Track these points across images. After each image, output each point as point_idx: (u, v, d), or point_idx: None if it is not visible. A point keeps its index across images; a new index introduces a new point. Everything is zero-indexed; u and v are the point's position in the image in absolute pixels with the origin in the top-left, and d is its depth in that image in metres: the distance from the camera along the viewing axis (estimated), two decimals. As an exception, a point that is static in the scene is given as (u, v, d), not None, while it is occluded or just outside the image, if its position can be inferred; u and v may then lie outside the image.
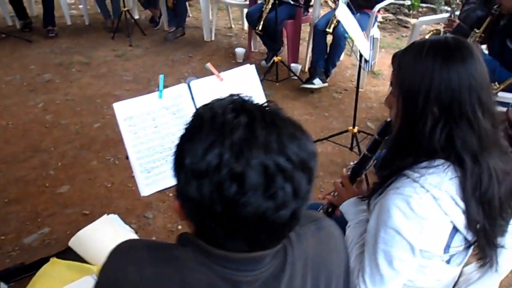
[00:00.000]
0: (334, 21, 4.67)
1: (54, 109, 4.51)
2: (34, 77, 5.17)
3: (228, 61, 5.55)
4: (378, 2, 4.75)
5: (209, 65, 2.36)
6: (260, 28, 4.96)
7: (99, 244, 2.36)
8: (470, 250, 1.50)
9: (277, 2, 4.63)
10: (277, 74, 4.95)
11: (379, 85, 5.06)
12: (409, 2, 7.28)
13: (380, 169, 1.57)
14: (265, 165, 0.84)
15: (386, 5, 7.29)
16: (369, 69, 3.51)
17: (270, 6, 4.90)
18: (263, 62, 5.33)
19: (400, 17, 7.12)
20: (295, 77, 5.02)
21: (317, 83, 4.78)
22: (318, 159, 0.95)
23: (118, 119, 1.95)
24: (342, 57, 5.14)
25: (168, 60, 5.56)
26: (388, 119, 1.64)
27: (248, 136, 0.86)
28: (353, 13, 4.81)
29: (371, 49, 3.58)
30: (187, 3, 6.35)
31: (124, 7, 5.92)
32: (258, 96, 2.38)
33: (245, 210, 0.85)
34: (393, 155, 1.47)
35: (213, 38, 6.14)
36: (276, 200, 0.86)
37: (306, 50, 5.39)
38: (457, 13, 4.14)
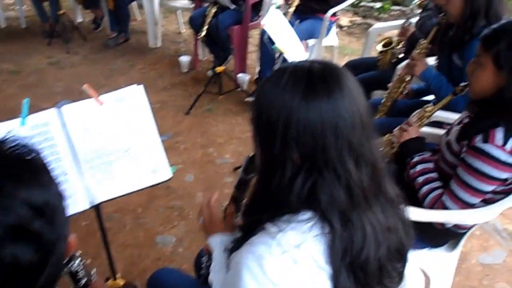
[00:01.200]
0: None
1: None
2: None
3: (172, 70, 5.16)
4: (333, 6, 4.37)
5: (86, 86, 1.97)
6: (203, 34, 4.56)
7: None
8: None
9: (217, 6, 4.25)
10: (220, 85, 4.57)
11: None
12: (379, 5, 6.90)
13: (243, 215, 1.37)
14: None
15: (355, 9, 7.00)
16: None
17: (214, 10, 4.51)
18: (209, 72, 4.94)
19: (369, 21, 6.75)
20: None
21: (264, 96, 4.38)
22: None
23: None
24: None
25: (105, 69, 5.16)
26: (251, 154, 1.45)
27: None
28: (304, 18, 4.50)
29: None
30: (134, 5, 5.94)
31: (60, 10, 5.49)
32: (145, 122, 1.99)
33: None
34: (254, 202, 1.28)
35: (159, 45, 5.74)
36: None
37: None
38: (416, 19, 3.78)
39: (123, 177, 1.94)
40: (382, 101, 3.09)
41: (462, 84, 2.19)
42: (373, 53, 3.76)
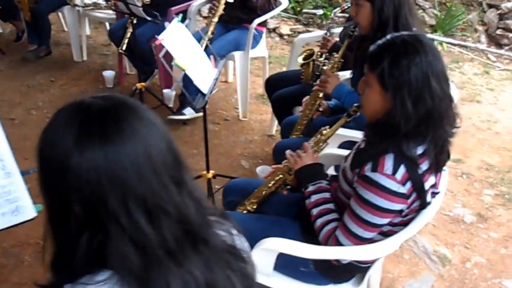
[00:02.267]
0: (206, 41, 4.11)
1: None
2: None
3: (96, 86, 4.92)
4: (261, 15, 4.21)
5: None
6: (124, 48, 4.36)
7: None
8: None
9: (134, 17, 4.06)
10: (142, 102, 4.33)
11: (268, 112, 4.51)
12: (321, 12, 6.78)
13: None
14: None
15: (297, 16, 6.87)
16: (202, 103, 2.96)
17: (135, 22, 4.32)
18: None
19: (311, 29, 6.62)
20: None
21: (188, 113, 4.23)
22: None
23: None
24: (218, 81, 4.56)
25: (23, 86, 4.89)
26: None
27: None
28: (231, 28, 4.33)
29: (216, 78, 3.02)
30: (61, 15, 5.69)
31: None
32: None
33: None
34: (54, 261, 1.08)
35: (85, 58, 5.47)
36: None
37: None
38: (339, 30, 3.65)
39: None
40: (298, 119, 2.93)
41: (356, 104, 2.03)
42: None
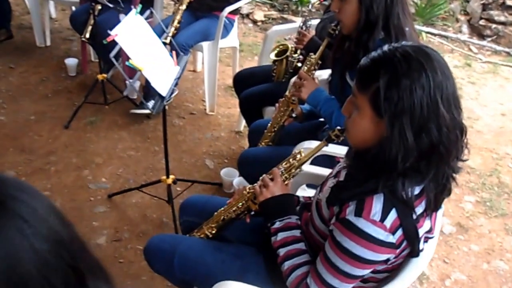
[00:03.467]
0: (172, 30, 3.74)
1: None
2: None
3: (58, 74, 4.51)
4: (233, 3, 3.84)
5: None
6: (87, 36, 3.98)
7: None
8: None
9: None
10: (104, 94, 3.97)
11: (237, 106, 4.15)
12: (297, -2, 6.40)
13: None
14: None
15: (271, 1, 6.48)
16: (160, 107, 2.62)
17: (98, 8, 3.94)
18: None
19: (286, 15, 6.26)
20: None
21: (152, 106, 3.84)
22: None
23: None
24: (183, 72, 4.19)
25: (-23, 72, 4.46)
26: None
27: None
28: (200, 17, 3.96)
29: (178, 77, 2.68)
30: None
31: None
32: None
33: None
34: None
35: (48, 43, 5.03)
36: None
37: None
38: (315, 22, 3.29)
39: None
40: (268, 125, 2.59)
41: (338, 128, 1.62)
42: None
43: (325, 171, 2.11)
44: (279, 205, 1.72)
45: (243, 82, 3.33)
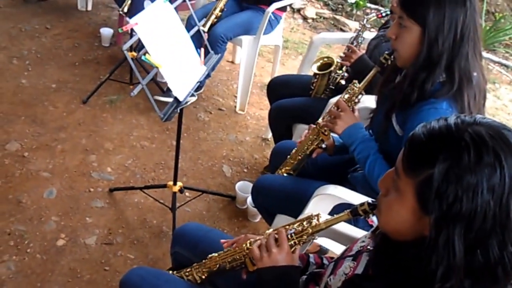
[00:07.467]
0: (212, 18, 3.25)
1: None
2: None
3: (91, 42, 4.08)
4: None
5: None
6: (126, 10, 3.50)
7: None
8: None
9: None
10: (131, 73, 3.52)
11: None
12: (353, 0, 5.80)
13: None
14: None
15: (325, 0, 5.91)
16: (172, 113, 2.12)
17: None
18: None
19: (339, 16, 5.68)
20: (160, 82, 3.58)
21: (179, 96, 3.36)
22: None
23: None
24: (218, 65, 3.70)
25: (15, 29, 4.05)
26: None
27: None
28: (245, 8, 3.46)
29: (204, 77, 2.19)
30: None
31: None
32: None
33: None
34: None
35: (89, 8, 4.58)
36: None
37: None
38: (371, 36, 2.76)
39: None
40: (292, 151, 2.09)
41: (370, 201, 1.14)
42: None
43: (347, 230, 1.63)
44: (280, 280, 1.27)
45: (278, 90, 2.83)
